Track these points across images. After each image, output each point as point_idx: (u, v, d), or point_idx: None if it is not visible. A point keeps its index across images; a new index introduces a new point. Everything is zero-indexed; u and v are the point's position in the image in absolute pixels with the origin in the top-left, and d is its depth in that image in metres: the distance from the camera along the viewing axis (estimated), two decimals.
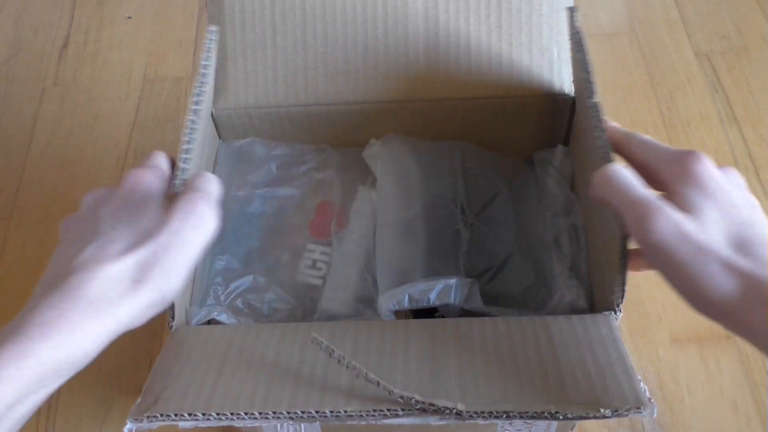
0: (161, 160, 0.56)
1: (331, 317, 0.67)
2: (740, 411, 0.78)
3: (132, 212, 0.51)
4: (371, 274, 0.68)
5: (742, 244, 0.45)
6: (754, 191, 0.91)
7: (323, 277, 0.69)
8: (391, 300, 0.63)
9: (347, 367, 0.50)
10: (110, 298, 0.46)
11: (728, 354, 0.82)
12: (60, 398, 0.83)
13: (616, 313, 0.57)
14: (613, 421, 0.79)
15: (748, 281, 0.43)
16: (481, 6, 0.71)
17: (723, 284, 0.44)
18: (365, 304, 0.67)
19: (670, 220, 0.45)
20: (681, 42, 1.08)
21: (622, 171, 0.50)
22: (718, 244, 0.45)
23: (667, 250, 0.45)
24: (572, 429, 0.71)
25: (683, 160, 0.48)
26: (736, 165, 0.94)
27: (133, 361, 0.86)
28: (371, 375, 0.49)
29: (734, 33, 1.09)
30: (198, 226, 0.51)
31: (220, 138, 0.76)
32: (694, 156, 0.48)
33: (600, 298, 0.62)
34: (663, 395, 0.80)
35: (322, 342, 0.51)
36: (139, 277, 0.47)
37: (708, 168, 0.48)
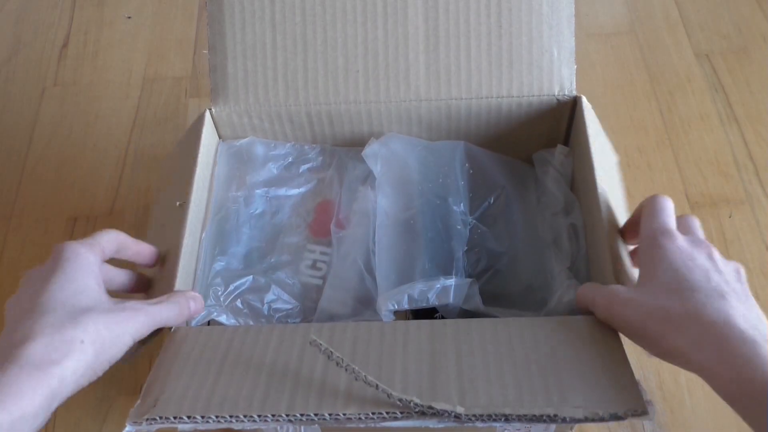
0: (105, 238, 0.58)
1: (331, 317, 0.67)
2: None
3: (69, 288, 0.53)
4: (371, 275, 0.68)
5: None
6: (754, 191, 0.92)
7: (323, 278, 0.69)
8: (390, 300, 0.63)
9: (346, 369, 0.50)
10: (55, 359, 0.48)
11: None
12: None
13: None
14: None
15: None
16: (481, 6, 0.71)
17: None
18: (365, 304, 0.67)
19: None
20: (681, 42, 1.08)
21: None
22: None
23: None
24: (572, 429, 0.70)
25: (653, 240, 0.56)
26: (736, 165, 0.94)
27: (133, 362, 0.86)
28: (370, 378, 0.49)
29: (734, 33, 1.09)
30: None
31: (219, 137, 0.76)
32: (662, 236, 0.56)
33: None
34: (663, 395, 0.80)
35: (321, 344, 0.51)
36: (84, 338, 0.50)
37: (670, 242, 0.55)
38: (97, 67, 1.12)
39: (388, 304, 0.63)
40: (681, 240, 0.55)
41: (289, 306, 0.67)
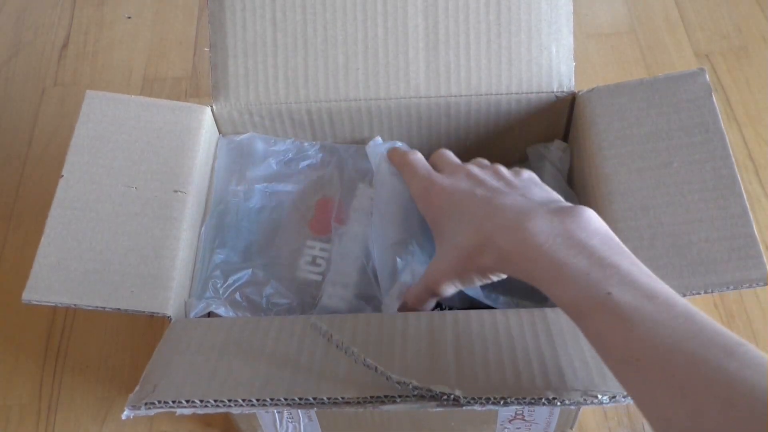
0: None
1: (331, 313, 0.67)
2: None
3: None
4: (371, 271, 0.68)
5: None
6: (754, 191, 0.92)
7: (322, 274, 0.69)
8: (394, 298, 0.63)
9: (345, 352, 0.50)
10: None
11: None
12: (60, 398, 0.83)
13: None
14: (613, 421, 0.79)
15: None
16: (480, 4, 0.71)
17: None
18: (365, 300, 0.67)
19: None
20: (681, 42, 1.08)
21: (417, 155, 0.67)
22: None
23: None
24: (571, 428, 0.71)
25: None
26: (737, 165, 0.94)
27: (133, 361, 0.86)
28: (369, 360, 0.49)
29: (734, 33, 1.09)
30: None
31: (220, 134, 0.76)
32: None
33: None
34: None
35: (321, 327, 0.51)
36: None
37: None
38: (97, 67, 1.12)
39: (393, 303, 0.64)
40: (439, 182, 0.62)
41: (287, 300, 0.68)
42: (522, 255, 0.51)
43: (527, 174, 0.61)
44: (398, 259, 0.65)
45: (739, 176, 0.61)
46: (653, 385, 0.42)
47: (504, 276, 0.57)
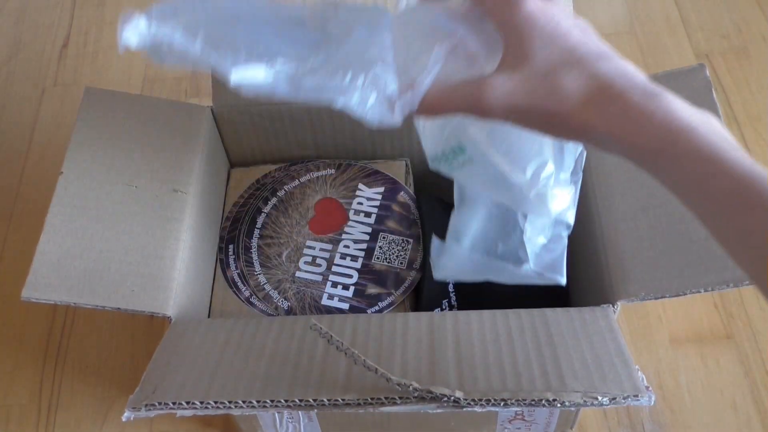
0: None
1: (330, 314, 0.67)
2: (740, 411, 0.78)
3: None
4: (371, 273, 0.68)
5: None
6: None
7: (323, 274, 0.69)
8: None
9: (345, 353, 0.50)
10: None
11: (728, 354, 0.82)
12: (60, 398, 0.83)
13: (614, 306, 0.57)
14: (613, 421, 0.79)
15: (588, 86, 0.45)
16: None
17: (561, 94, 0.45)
18: (365, 302, 0.67)
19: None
20: (681, 42, 1.08)
21: None
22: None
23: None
24: (571, 428, 0.71)
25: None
26: None
27: (133, 362, 0.86)
28: (369, 362, 0.49)
29: (734, 33, 1.09)
30: None
31: (220, 134, 0.76)
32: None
33: (597, 290, 0.62)
34: (663, 395, 0.80)
35: (320, 328, 0.51)
36: None
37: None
38: (97, 67, 1.12)
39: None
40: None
41: (288, 302, 0.68)
42: (663, 126, 0.43)
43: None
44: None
45: None
46: None
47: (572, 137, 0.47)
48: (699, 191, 0.42)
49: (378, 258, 0.70)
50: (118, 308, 0.59)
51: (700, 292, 0.56)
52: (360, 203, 0.73)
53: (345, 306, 0.67)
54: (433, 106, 0.48)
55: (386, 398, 0.49)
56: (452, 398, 0.49)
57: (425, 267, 0.70)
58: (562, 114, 0.45)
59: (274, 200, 0.74)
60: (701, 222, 0.43)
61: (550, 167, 0.52)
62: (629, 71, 0.45)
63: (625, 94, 0.44)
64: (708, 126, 0.43)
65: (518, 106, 0.46)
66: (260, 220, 0.73)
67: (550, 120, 0.46)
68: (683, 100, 0.44)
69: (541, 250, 0.54)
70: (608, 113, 0.44)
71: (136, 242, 0.62)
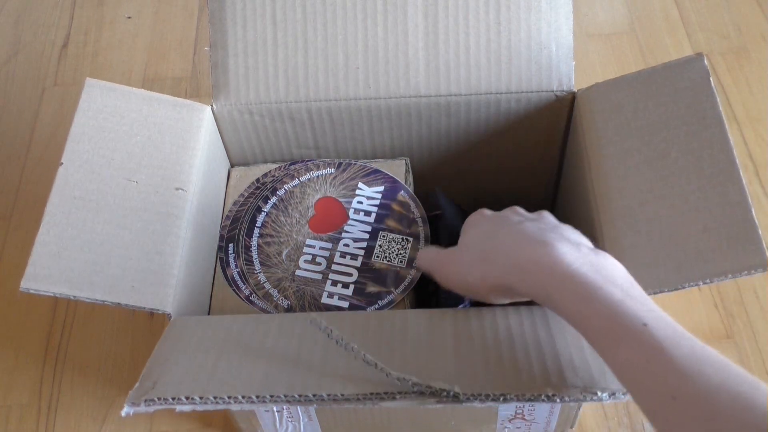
0: None
1: (330, 312, 0.67)
2: None
3: None
4: (371, 271, 0.69)
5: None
6: (754, 191, 0.92)
7: (322, 272, 0.69)
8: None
9: (345, 348, 0.50)
10: None
11: (728, 354, 0.81)
12: (60, 398, 0.83)
13: None
14: (613, 420, 0.79)
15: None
16: (480, 3, 0.71)
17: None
18: (365, 300, 0.67)
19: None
20: (681, 42, 1.09)
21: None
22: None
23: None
24: (571, 427, 0.71)
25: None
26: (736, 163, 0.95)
27: (133, 361, 0.86)
28: (369, 356, 0.49)
29: (734, 33, 1.09)
30: None
31: (220, 134, 0.76)
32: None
33: None
34: None
35: (321, 322, 0.51)
36: None
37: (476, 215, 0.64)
38: (97, 67, 1.12)
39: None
40: (486, 211, 0.63)
41: (287, 300, 0.68)
42: (548, 272, 0.51)
43: (547, 213, 0.60)
44: None
45: (738, 161, 0.60)
46: (691, 423, 0.41)
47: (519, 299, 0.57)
48: (583, 329, 0.48)
49: (378, 257, 0.70)
50: (119, 303, 0.59)
51: (698, 285, 0.55)
52: (360, 202, 0.74)
53: (345, 304, 0.67)
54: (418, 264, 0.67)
55: (385, 393, 0.49)
56: (451, 393, 0.49)
57: None
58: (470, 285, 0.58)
59: (274, 199, 0.74)
60: (599, 355, 0.48)
61: None
62: (529, 229, 0.55)
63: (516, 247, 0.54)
64: (590, 267, 0.50)
65: (455, 275, 0.60)
66: (260, 218, 0.73)
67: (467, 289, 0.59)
68: (576, 245, 0.52)
69: None
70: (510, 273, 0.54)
71: (136, 237, 0.62)
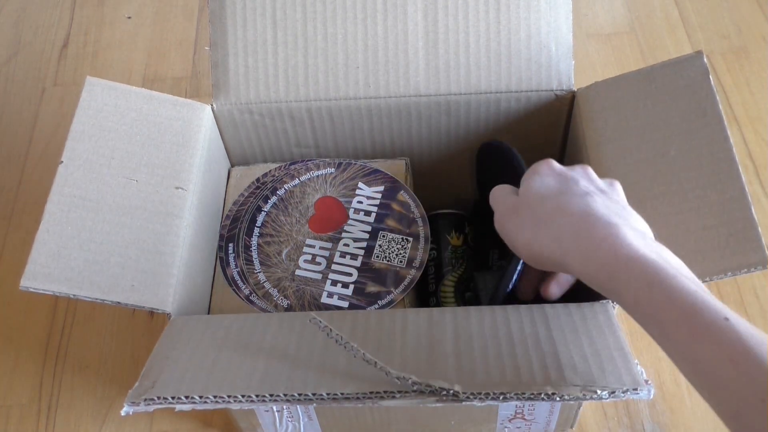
0: None
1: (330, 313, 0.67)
2: None
3: None
4: (371, 271, 0.69)
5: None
6: (754, 191, 0.92)
7: (322, 272, 0.69)
8: None
9: (345, 347, 0.50)
10: None
11: None
12: (60, 398, 0.83)
13: (613, 302, 0.57)
14: (613, 420, 0.79)
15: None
16: (479, 2, 0.71)
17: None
18: (365, 300, 0.67)
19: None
20: (681, 42, 1.09)
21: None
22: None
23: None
24: (571, 427, 0.71)
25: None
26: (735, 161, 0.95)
27: (133, 361, 0.86)
28: (368, 355, 0.49)
29: (734, 33, 1.09)
30: None
31: (220, 133, 0.76)
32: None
33: None
34: (663, 395, 0.80)
35: (320, 321, 0.51)
36: None
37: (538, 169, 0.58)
38: (97, 67, 1.12)
39: None
40: (555, 164, 0.58)
41: (287, 300, 0.68)
42: (613, 255, 0.47)
43: (618, 186, 0.57)
44: None
45: (737, 158, 0.59)
46: None
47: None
48: (651, 319, 0.45)
49: (378, 256, 0.70)
50: (119, 302, 0.59)
51: None
52: (360, 202, 0.74)
53: (344, 304, 0.67)
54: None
55: (385, 392, 0.49)
56: (451, 392, 0.49)
57: None
58: (526, 239, 0.55)
59: (274, 199, 0.74)
60: (658, 345, 0.45)
61: None
62: (593, 207, 0.51)
63: (582, 226, 0.50)
64: (657, 256, 0.46)
65: (509, 231, 0.57)
66: (260, 218, 0.73)
67: (519, 246, 0.56)
68: (641, 232, 0.49)
69: None
70: (563, 239, 0.51)
71: (136, 237, 0.62)
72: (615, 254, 0.47)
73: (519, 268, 0.64)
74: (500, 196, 0.60)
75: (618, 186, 0.56)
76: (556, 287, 0.60)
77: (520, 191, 0.58)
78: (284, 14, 0.72)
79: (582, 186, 0.54)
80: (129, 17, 1.18)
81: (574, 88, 0.72)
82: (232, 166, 0.80)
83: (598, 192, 0.53)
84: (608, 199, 0.53)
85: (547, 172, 0.57)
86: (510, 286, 0.64)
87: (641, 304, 0.45)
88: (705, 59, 0.65)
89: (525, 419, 0.67)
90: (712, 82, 0.63)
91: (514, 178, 0.62)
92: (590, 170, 0.56)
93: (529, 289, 0.63)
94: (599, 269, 0.48)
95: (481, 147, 0.76)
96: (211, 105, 0.73)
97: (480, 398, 0.49)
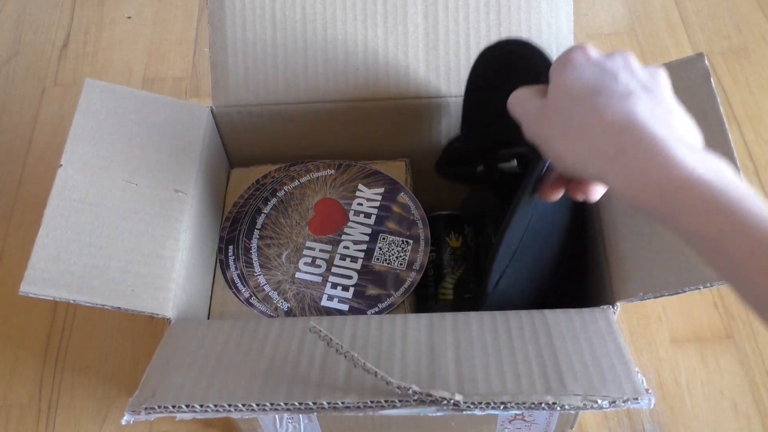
0: None
1: (330, 315, 0.67)
2: (740, 411, 0.78)
3: None
4: (371, 273, 0.68)
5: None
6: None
7: (322, 275, 0.69)
8: None
9: (345, 356, 0.50)
10: None
11: (728, 354, 0.82)
12: (60, 398, 0.83)
13: (613, 307, 0.57)
14: (613, 421, 0.79)
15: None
16: (480, 3, 0.71)
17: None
18: (365, 303, 0.67)
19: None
20: (681, 42, 1.08)
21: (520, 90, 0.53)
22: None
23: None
24: (571, 428, 0.71)
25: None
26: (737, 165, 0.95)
27: (133, 362, 0.86)
28: (369, 365, 0.49)
29: (734, 33, 1.09)
30: None
31: (220, 134, 0.76)
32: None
33: (597, 291, 0.62)
34: (663, 395, 0.80)
35: (320, 331, 0.51)
36: None
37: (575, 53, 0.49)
38: (97, 67, 1.12)
39: None
40: (592, 50, 0.48)
41: (287, 302, 0.68)
42: (665, 174, 0.41)
43: (664, 77, 0.48)
44: None
45: (738, 161, 0.59)
46: None
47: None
48: (713, 250, 0.40)
49: (378, 259, 0.70)
50: (119, 308, 0.59)
51: (699, 288, 0.55)
52: (360, 204, 0.73)
53: (345, 307, 0.67)
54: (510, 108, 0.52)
55: (386, 401, 0.49)
56: (452, 401, 0.49)
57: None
58: (560, 146, 0.47)
59: (273, 201, 0.74)
60: (722, 278, 0.40)
61: None
62: (637, 114, 0.44)
63: (622, 137, 0.43)
64: (715, 175, 0.40)
65: (540, 134, 0.49)
66: (260, 220, 0.73)
67: (553, 150, 0.48)
68: (693, 146, 0.42)
69: None
70: (600, 153, 0.44)
71: (135, 241, 0.62)
72: (667, 176, 0.41)
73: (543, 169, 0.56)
74: (524, 100, 0.51)
75: (662, 75, 0.48)
76: (593, 193, 0.52)
77: (549, 89, 0.49)
78: (284, 16, 0.72)
79: (622, 83, 0.46)
80: (129, 17, 1.18)
81: None
82: (232, 167, 0.80)
83: (641, 90, 0.45)
84: (653, 100, 0.45)
85: (581, 62, 0.48)
86: (532, 189, 0.58)
87: (701, 233, 0.40)
88: (706, 61, 0.65)
89: (525, 420, 0.67)
90: (713, 85, 0.63)
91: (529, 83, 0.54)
92: (632, 58, 0.48)
93: (556, 191, 0.55)
94: (647, 192, 0.42)
95: (486, 51, 0.69)
96: (211, 106, 0.73)
97: (481, 407, 0.49)
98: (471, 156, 0.72)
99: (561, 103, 0.47)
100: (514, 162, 0.68)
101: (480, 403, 0.49)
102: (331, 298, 0.68)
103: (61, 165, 0.64)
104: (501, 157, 0.69)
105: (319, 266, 0.70)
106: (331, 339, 0.50)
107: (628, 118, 0.43)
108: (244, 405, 0.50)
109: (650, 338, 0.83)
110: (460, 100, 0.72)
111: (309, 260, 0.70)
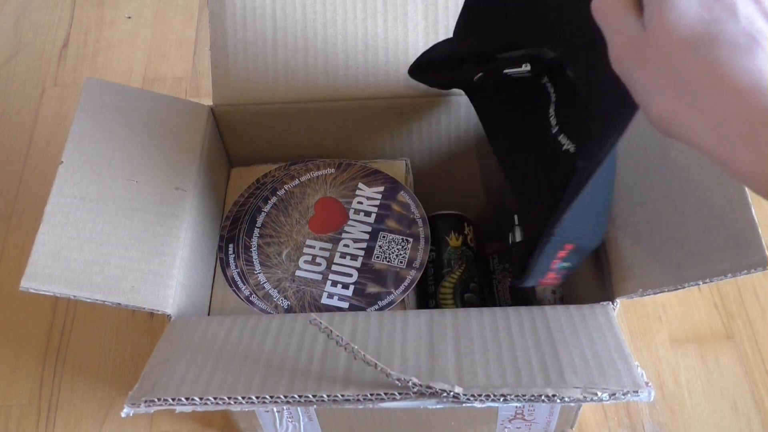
0: None
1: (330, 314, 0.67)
2: (740, 411, 0.78)
3: None
4: (371, 272, 0.69)
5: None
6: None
7: (322, 273, 0.69)
8: None
9: (345, 348, 0.50)
10: None
11: (728, 354, 0.82)
12: (60, 398, 0.83)
13: (613, 303, 0.57)
14: (613, 421, 0.79)
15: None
16: None
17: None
18: (365, 301, 0.67)
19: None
20: None
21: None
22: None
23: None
24: (571, 427, 0.71)
25: None
26: None
27: (133, 361, 0.86)
28: (369, 357, 0.49)
29: None
30: None
31: (220, 134, 0.76)
32: None
33: (597, 288, 0.62)
34: (663, 395, 0.80)
35: (320, 323, 0.51)
36: None
37: None
38: (97, 67, 1.12)
39: None
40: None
41: (287, 300, 0.68)
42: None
43: None
44: None
45: None
46: None
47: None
48: None
49: (378, 257, 0.70)
50: (119, 304, 0.59)
51: (698, 284, 0.55)
52: (360, 202, 0.73)
53: (345, 305, 0.67)
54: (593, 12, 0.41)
55: (386, 393, 0.49)
56: (452, 393, 0.49)
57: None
58: (665, 108, 0.37)
59: (274, 199, 0.74)
60: None
61: None
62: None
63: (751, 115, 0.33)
64: None
65: (636, 79, 0.39)
66: (260, 219, 0.73)
67: (653, 108, 0.39)
68: None
69: None
70: (722, 130, 0.35)
71: (136, 238, 0.62)
72: (759, 103, 0.32)
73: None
74: (619, 16, 0.39)
75: None
76: None
77: (649, 19, 0.38)
78: (284, 15, 0.72)
79: (743, 23, 0.35)
80: (129, 17, 1.18)
81: None
82: (232, 166, 0.80)
83: (765, 39, 0.34)
84: None
85: None
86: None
87: None
88: None
89: (525, 419, 0.67)
90: None
91: None
92: None
93: None
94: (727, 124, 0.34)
95: None
96: (211, 106, 0.73)
97: (480, 400, 0.49)
98: (460, 61, 0.65)
99: (667, 45, 0.36)
100: (527, 66, 0.59)
101: (480, 396, 0.49)
102: (331, 295, 0.68)
103: (62, 162, 0.64)
104: (509, 62, 0.60)
105: (319, 264, 0.70)
106: (331, 331, 0.50)
107: (759, 86, 0.33)
108: (243, 398, 0.50)
109: (650, 338, 0.83)
110: (461, 99, 0.72)
111: (309, 258, 0.70)
